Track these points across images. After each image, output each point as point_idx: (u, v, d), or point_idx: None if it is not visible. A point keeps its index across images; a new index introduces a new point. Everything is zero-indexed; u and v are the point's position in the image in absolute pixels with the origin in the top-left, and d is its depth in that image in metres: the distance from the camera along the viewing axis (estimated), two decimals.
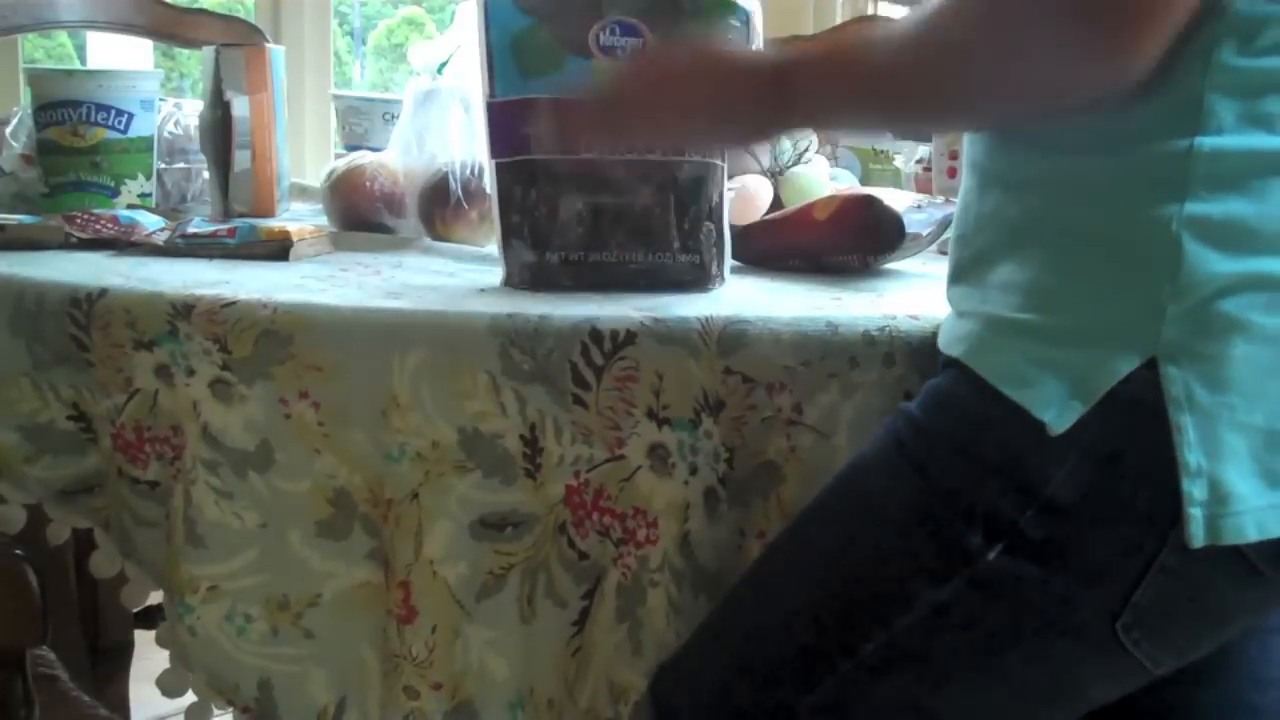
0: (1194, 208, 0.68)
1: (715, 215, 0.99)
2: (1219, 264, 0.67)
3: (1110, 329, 0.69)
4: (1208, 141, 0.68)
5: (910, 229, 1.08)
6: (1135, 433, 0.69)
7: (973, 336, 0.75)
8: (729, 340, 0.85)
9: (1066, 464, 0.70)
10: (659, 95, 0.84)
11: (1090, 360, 0.69)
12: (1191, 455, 0.67)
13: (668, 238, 0.97)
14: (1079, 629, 0.73)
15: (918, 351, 0.85)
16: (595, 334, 0.85)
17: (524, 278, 0.97)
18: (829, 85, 0.79)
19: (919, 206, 1.13)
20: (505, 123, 0.96)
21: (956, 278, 0.80)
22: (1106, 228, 0.70)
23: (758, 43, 0.99)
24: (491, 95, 0.96)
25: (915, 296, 0.97)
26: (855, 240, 1.08)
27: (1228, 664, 0.86)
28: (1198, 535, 0.67)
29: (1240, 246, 0.68)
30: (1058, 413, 0.69)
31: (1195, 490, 0.67)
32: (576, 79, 0.94)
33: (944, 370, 0.77)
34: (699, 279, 0.98)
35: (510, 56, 0.95)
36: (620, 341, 0.85)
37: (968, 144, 0.81)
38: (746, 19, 0.97)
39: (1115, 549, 0.71)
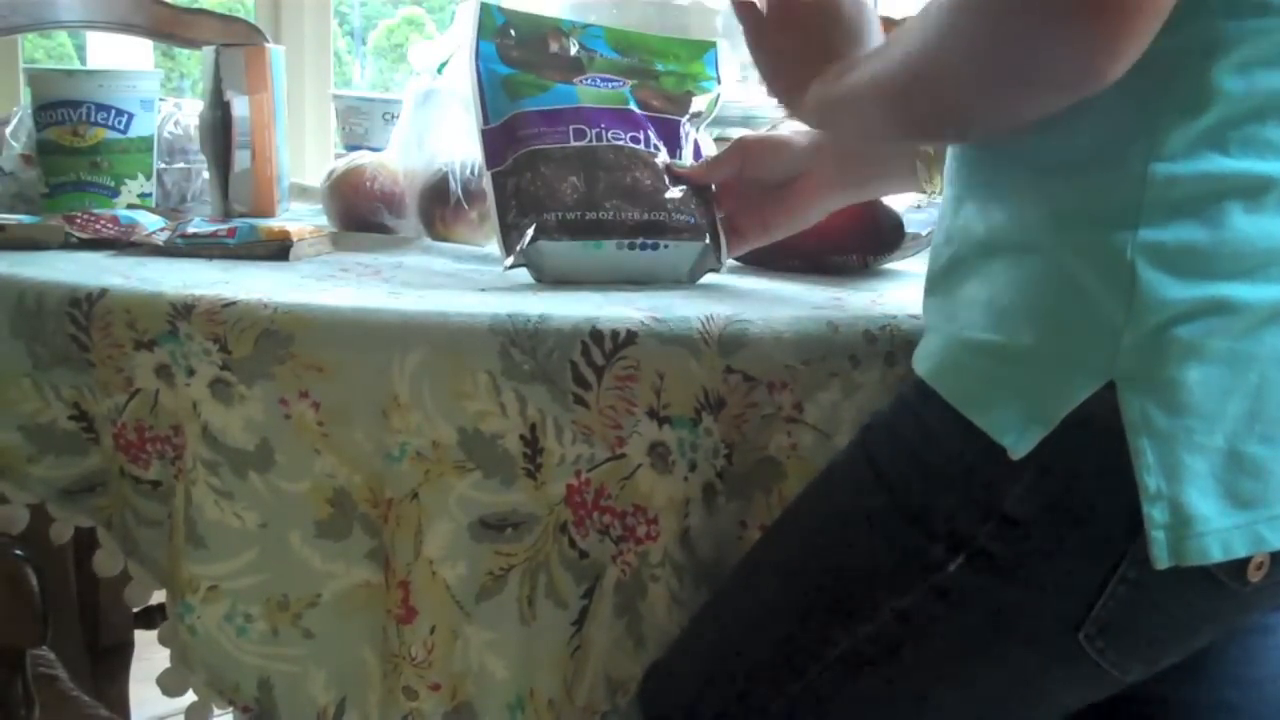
0: (1148, 234, 0.68)
1: (705, 194, 1.03)
2: (1173, 290, 0.67)
3: (1067, 353, 0.70)
4: (1161, 167, 0.68)
5: (910, 229, 1.08)
6: (1093, 452, 0.69)
7: (936, 355, 0.76)
8: (730, 339, 0.85)
9: (1024, 479, 0.70)
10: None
11: (1048, 384, 0.70)
12: (1151, 479, 0.67)
13: (660, 199, 1.00)
14: (1040, 639, 0.74)
15: None
16: (596, 333, 0.85)
17: (522, 244, 0.98)
18: (845, 91, 0.81)
19: (919, 206, 1.13)
20: (499, 139, 1.01)
21: (929, 290, 0.81)
22: (1064, 251, 0.70)
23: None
24: (485, 124, 1.02)
25: (915, 296, 0.97)
26: (855, 240, 1.08)
27: (1209, 664, 0.86)
28: (1161, 557, 0.68)
29: (1195, 272, 0.68)
30: (1017, 437, 0.70)
31: (1156, 513, 0.67)
32: (562, 97, 1.02)
33: (913, 381, 0.78)
34: (696, 233, 0.99)
35: (500, 91, 1.02)
36: (621, 341, 0.85)
37: (948, 157, 0.82)
38: (717, 82, 1.09)
39: (1073, 563, 0.71)
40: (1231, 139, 0.68)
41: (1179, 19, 0.66)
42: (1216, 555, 0.68)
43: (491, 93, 1.02)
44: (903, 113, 0.76)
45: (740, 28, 0.95)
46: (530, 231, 0.97)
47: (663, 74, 1.07)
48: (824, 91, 0.84)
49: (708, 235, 1.01)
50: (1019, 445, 0.70)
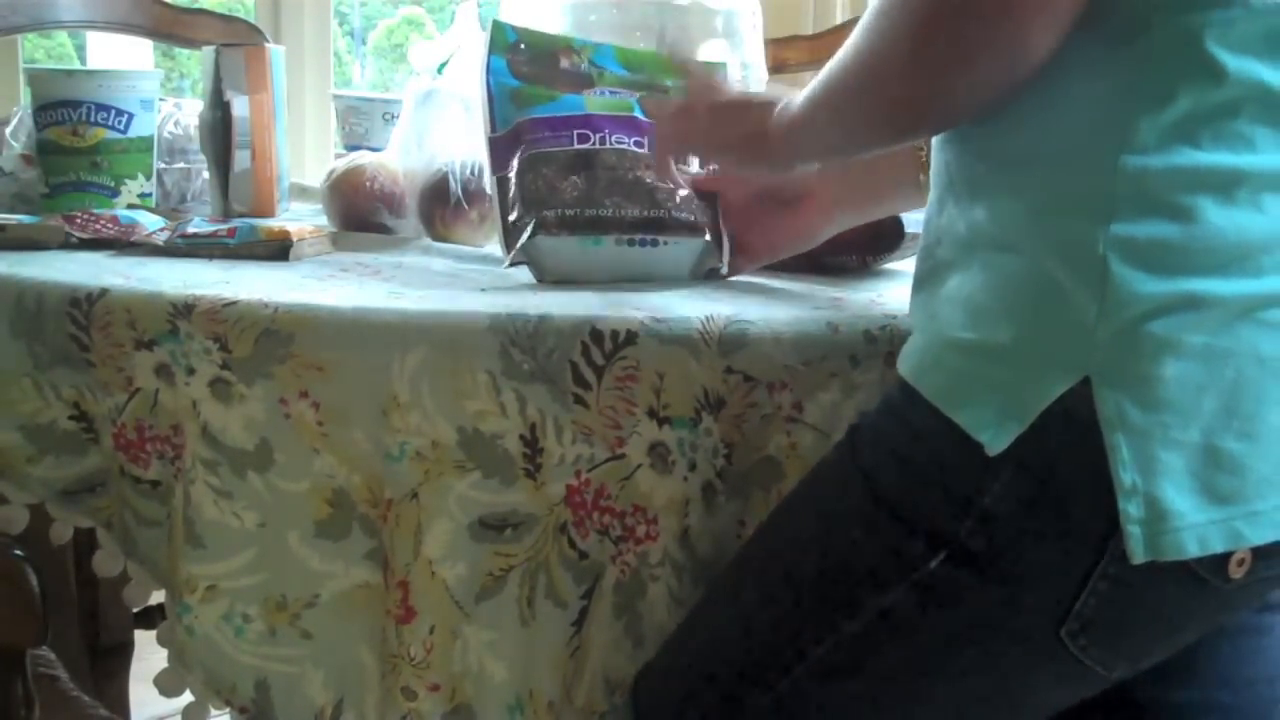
0: (1120, 228, 0.68)
1: (709, 197, 1.04)
2: (1147, 285, 0.67)
3: (1043, 349, 0.70)
4: (1132, 160, 0.68)
5: (910, 229, 1.08)
6: (1070, 448, 0.69)
7: (918, 354, 0.77)
8: (730, 340, 0.85)
9: (1002, 477, 0.71)
10: (689, 134, 0.97)
11: (1025, 380, 0.70)
12: (1126, 474, 0.68)
13: (661, 197, 1.00)
14: (1023, 636, 0.74)
15: None
16: (596, 334, 0.85)
17: (523, 241, 0.98)
18: (802, 112, 0.83)
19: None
20: (505, 146, 1.02)
21: (915, 290, 0.81)
22: (1039, 247, 0.71)
23: (756, 46, 1.03)
24: (492, 131, 1.02)
25: None
26: (855, 240, 1.08)
27: (1200, 664, 0.86)
28: (1137, 552, 0.68)
29: (1167, 267, 0.68)
30: (994, 433, 0.70)
31: (1132, 508, 0.68)
32: (568, 106, 1.02)
33: (898, 381, 0.78)
34: (695, 230, 1.00)
35: (509, 101, 1.03)
36: (621, 341, 0.85)
37: (933, 157, 0.82)
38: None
39: (1053, 559, 0.71)
40: (1203, 132, 0.68)
41: (1147, 12, 0.67)
42: (1193, 550, 0.68)
43: (500, 104, 1.03)
44: (858, 113, 0.78)
45: (741, 29, 0.96)
46: (530, 227, 0.98)
47: (672, 90, 1.08)
48: (784, 116, 0.85)
49: (708, 233, 1.01)
50: (995, 441, 0.70)
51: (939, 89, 0.71)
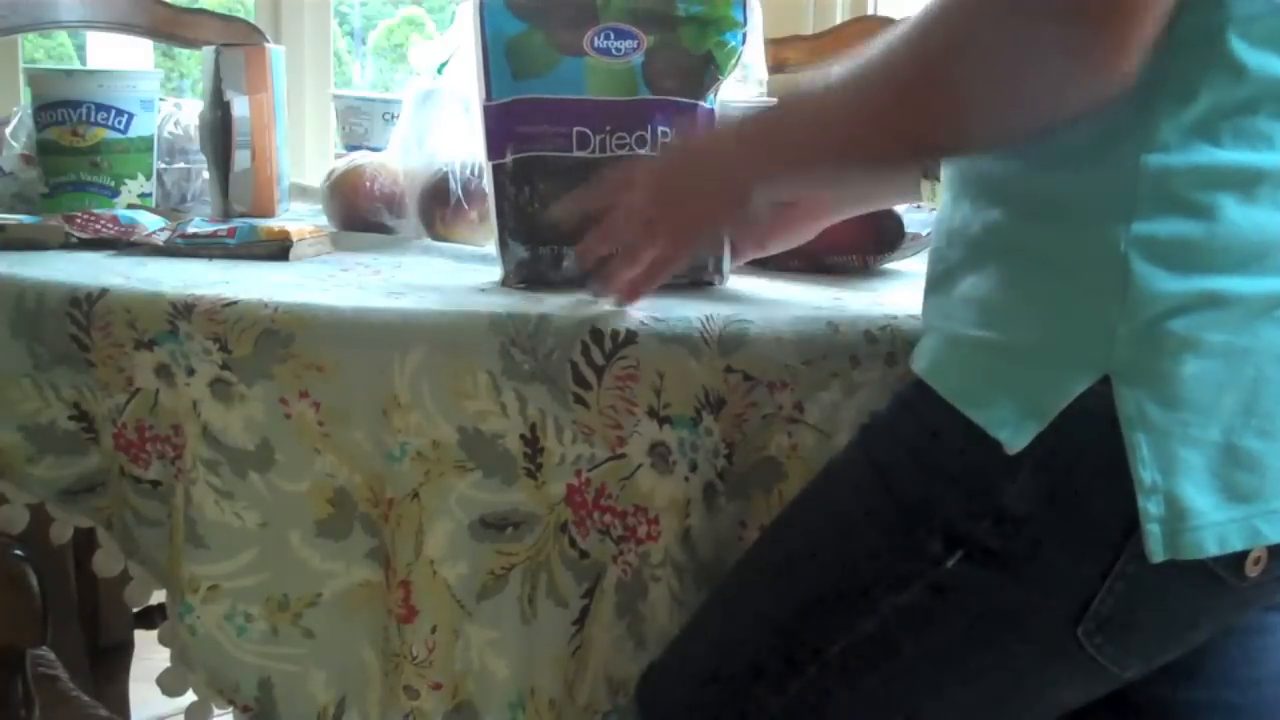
0: (1141, 227, 0.68)
1: None
2: (1168, 283, 0.68)
3: (1063, 348, 0.70)
4: (1153, 159, 0.68)
5: (910, 229, 1.08)
6: (1089, 446, 0.69)
7: (933, 352, 0.77)
8: (730, 339, 0.85)
9: (1020, 475, 0.71)
10: (647, 205, 0.88)
11: (1045, 378, 0.70)
12: (1146, 472, 0.68)
13: None
14: (1040, 635, 0.74)
15: None
16: (596, 333, 0.85)
17: (519, 275, 0.97)
18: (800, 125, 0.80)
19: (919, 206, 1.13)
20: (500, 124, 0.97)
21: (929, 291, 0.81)
22: (1058, 246, 0.71)
23: (757, 46, 1.00)
24: (487, 98, 0.97)
25: (915, 296, 0.96)
26: (855, 240, 1.08)
27: (1207, 664, 0.86)
28: (1157, 551, 0.68)
29: (1189, 266, 0.68)
30: (1013, 432, 0.70)
31: (1152, 507, 0.68)
32: (567, 79, 0.96)
33: (911, 380, 0.78)
34: (695, 275, 0.98)
35: (504, 60, 0.96)
36: (621, 341, 0.85)
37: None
38: (743, 28, 0.99)
39: (1071, 558, 0.71)
40: (1223, 130, 0.68)
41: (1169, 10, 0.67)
42: (1212, 549, 0.68)
43: (496, 61, 0.96)
44: (878, 130, 0.75)
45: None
46: (526, 271, 0.97)
47: (684, 21, 0.98)
48: (759, 127, 0.83)
49: (709, 276, 0.99)
50: (1015, 440, 0.70)
51: (1003, 119, 0.69)
